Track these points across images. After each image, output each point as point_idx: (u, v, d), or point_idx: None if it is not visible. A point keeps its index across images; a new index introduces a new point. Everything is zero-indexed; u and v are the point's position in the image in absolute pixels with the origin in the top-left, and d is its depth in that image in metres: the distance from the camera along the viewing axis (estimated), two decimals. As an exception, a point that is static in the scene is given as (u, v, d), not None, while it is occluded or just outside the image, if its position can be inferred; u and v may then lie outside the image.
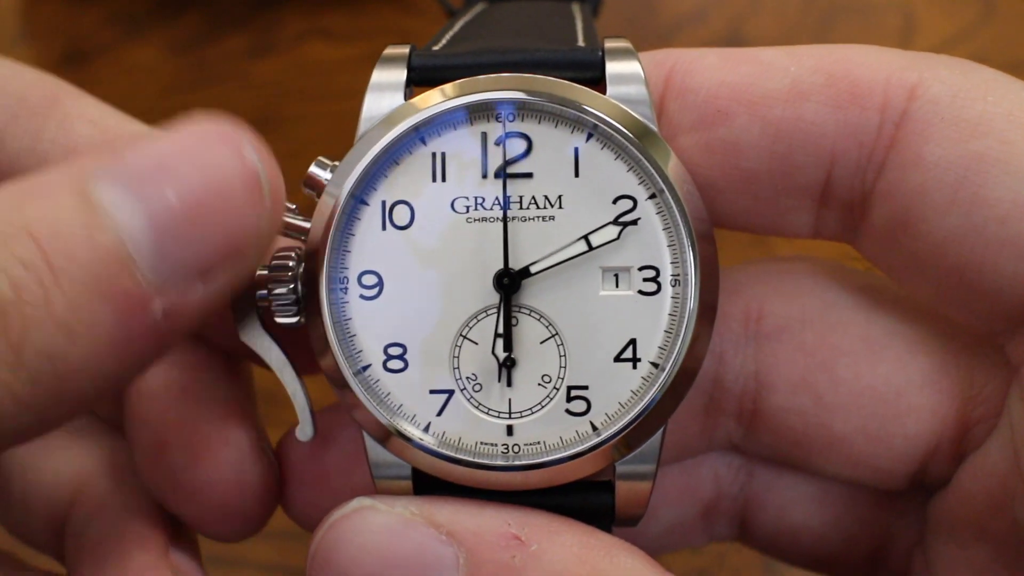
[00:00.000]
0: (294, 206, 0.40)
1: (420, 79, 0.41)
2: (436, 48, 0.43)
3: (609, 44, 0.41)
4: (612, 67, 0.40)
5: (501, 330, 0.39)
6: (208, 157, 0.34)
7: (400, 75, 0.41)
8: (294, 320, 0.40)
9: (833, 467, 0.44)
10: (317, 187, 0.40)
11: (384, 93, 0.40)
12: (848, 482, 0.45)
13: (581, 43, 0.43)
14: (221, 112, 0.36)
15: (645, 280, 0.39)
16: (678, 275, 0.39)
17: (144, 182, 0.33)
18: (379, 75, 0.41)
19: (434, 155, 0.40)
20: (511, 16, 0.48)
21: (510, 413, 0.39)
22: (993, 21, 0.94)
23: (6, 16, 0.98)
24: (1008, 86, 0.38)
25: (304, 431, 0.41)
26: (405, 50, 0.41)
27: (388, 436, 0.39)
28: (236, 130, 0.35)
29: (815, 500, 0.47)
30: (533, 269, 0.39)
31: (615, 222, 0.39)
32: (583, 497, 0.40)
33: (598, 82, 0.40)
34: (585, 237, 0.39)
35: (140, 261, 0.32)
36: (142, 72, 0.93)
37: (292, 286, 0.39)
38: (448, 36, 0.45)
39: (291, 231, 0.40)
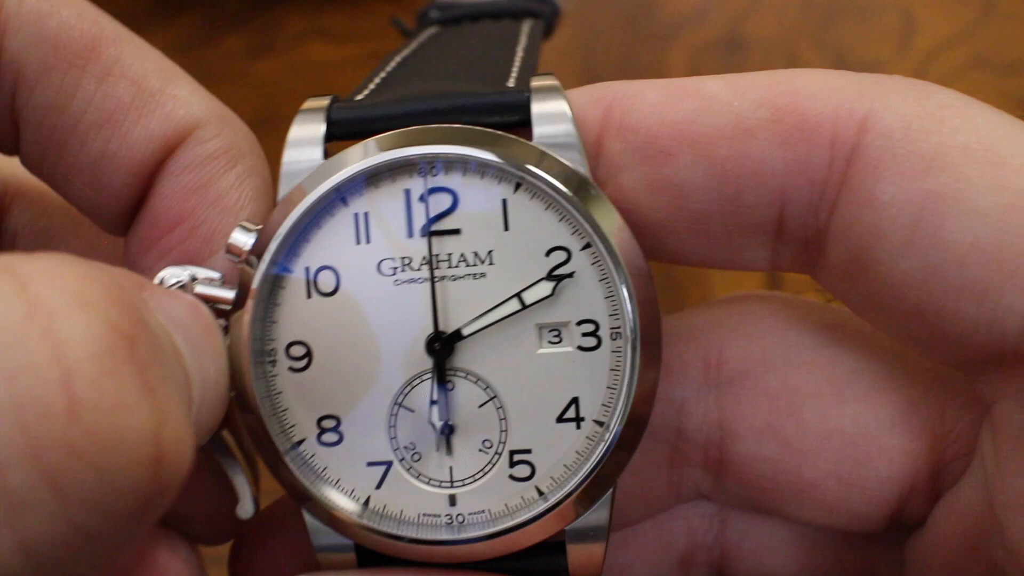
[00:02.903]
0: (217, 275, 0.39)
1: (340, 133, 0.39)
2: (359, 97, 0.41)
3: (535, 83, 0.38)
4: (538, 107, 0.38)
5: (435, 397, 0.38)
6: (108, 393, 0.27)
7: (318, 129, 0.39)
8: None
9: (806, 513, 0.42)
10: (239, 254, 0.38)
11: (303, 149, 0.38)
12: (823, 528, 0.43)
13: (511, 83, 0.40)
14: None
15: (584, 335, 0.37)
16: (618, 327, 0.37)
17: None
18: (296, 130, 0.39)
19: (356, 216, 0.38)
20: (451, 48, 0.46)
21: (452, 482, 0.38)
22: (993, 21, 0.92)
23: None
24: (965, 112, 0.35)
25: (244, 509, 0.40)
26: (325, 102, 0.39)
27: (327, 512, 0.38)
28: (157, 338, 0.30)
29: (792, 545, 0.44)
30: (465, 332, 0.37)
31: (549, 276, 0.37)
32: (535, 561, 0.38)
33: (526, 124, 0.38)
34: (518, 295, 0.37)
35: None
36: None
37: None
38: (377, 79, 0.43)
39: (215, 303, 0.38)
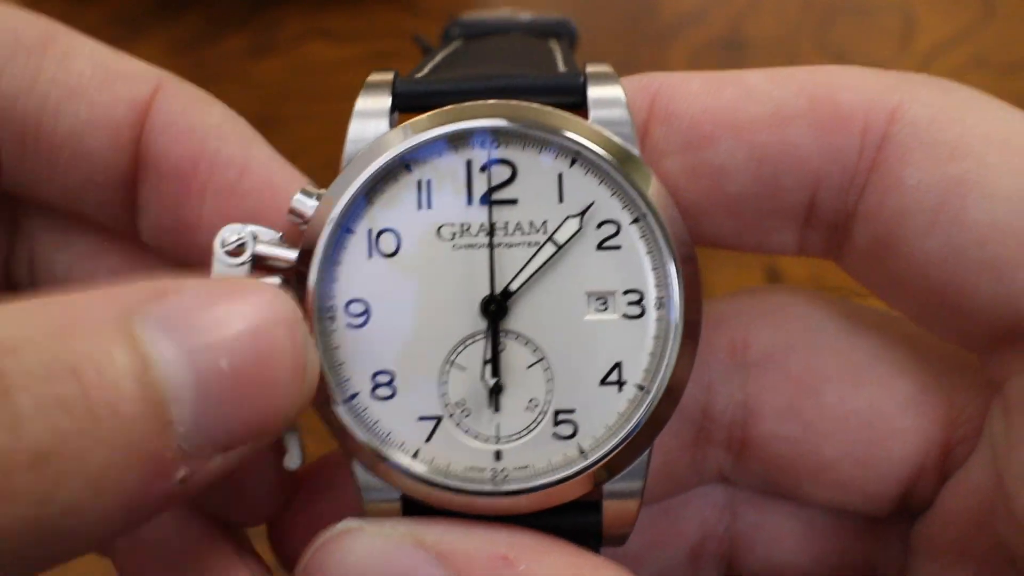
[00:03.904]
0: (278, 234, 0.41)
1: (404, 106, 0.41)
2: (419, 76, 0.43)
3: (591, 69, 0.41)
4: (594, 91, 0.40)
5: (489, 356, 0.40)
6: (265, 331, 0.33)
7: (385, 102, 0.41)
8: None
9: (822, 493, 0.44)
10: (302, 216, 0.40)
11: (369, 120, 0.41)
12: (836, 509, 0.45)
13: (562, 69, 0.43)
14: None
15: (629, 304, 0.40)
16: (662, 298, 0.39)
17: (196, 340, 0.31)
18: (363, 102, 0.41)
19: (419, 182, 0.40)
20: (491, 48, 0.48)
21: (498, 438, 0.40)
22: (993, 21, 0.94)
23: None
24: (986, 106, 0.38)
25: (292, 459, 0.41)
26: (389, 76, 0.41)
27: (377, 463, 0.39)
28: (295, 309, 0.34)
29: (801, 535, 0.47)
30: (513, 287, 0.39)
31: (600, 247, 0.39)
32: (571, 517, 0.40)
33: (580, 107, 0.40)
34: (550, 238, 0.39)
35: (178, 426, 0.30)
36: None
37: None
38: (431, 65, 0.45)
39: (276, 261, 0.40)
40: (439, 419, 0.40)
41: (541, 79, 0.41)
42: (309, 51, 1.02)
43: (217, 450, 0.32)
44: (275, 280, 0.40)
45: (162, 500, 0.31)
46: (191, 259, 0.44)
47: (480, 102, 0.40)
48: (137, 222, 0.45)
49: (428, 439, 0.40)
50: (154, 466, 0.30)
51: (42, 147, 0.42)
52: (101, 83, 0.42)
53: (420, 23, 0.99)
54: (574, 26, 0.60)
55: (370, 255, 0.40)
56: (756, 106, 0.40)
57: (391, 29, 1.01)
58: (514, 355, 0.40)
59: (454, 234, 0.40)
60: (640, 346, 0.40)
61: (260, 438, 0.34)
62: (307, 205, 0.40)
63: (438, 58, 0.47)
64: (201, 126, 0.43)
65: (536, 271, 0.39)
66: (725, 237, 0.42)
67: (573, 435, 0.40)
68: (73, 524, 0.28)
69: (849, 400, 0.43)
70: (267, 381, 0.33)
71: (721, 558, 0.48)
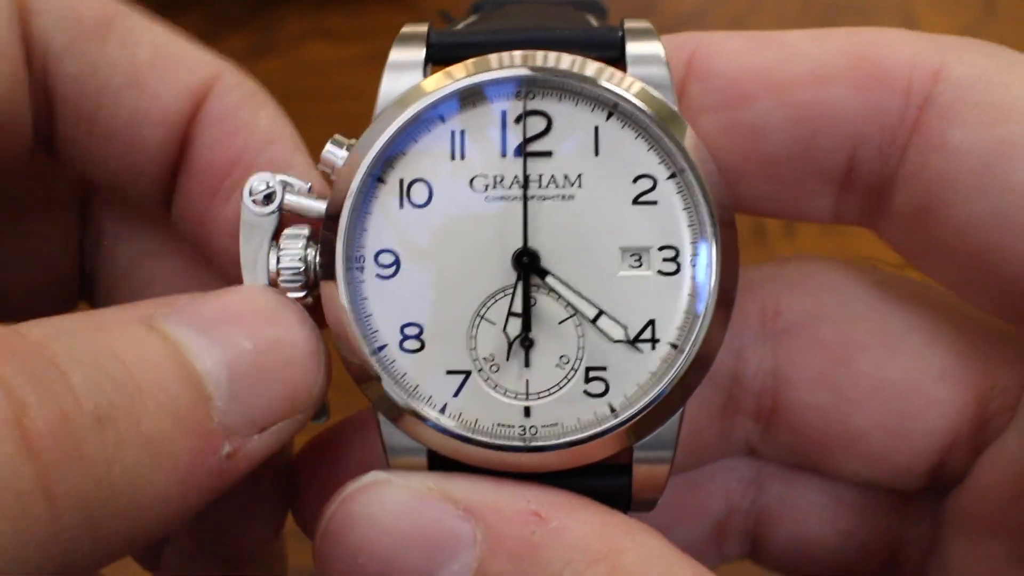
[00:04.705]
0: (307, 185, 0.40)
1: (439, 57, 0.40)
2: (454, 29, 0.43)
3: (629, 24, 0.41)
4: (632, 47, 0.40)
5: (519, 309, 0.39)
6: (277, 317, 0.37)
7: (419, 54, 0.40)
8: (302, 296, 0.39)
9: (852, 465, 0.43)
10: (332, 166, 0.39)
11: (403, 72, 0.40)
12: (866, 482, 0.45)
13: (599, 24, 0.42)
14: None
15: (664, 260, 0.39)
16: (698, 255, 0.39)
17: (218, 329, 0.35)
18: (397, 54, 0.40)
19: (453, 133, 0.39)
20: (523, 10, 0.48)
21: (527, 394, 0.39)
22: (993, 21, 0.95)
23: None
24: None
25: (319, 414, 0.40)
26: (423, 28, 0.41)
27: (403, 417, 0.38)
28: (294, 301, 0.38)
29: (829, 510, 0.46)
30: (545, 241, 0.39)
31: (635, 202, 0.39)
32: (600, 480, 0.39)
33: (618, 62, 0.40)
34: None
35: (216, 402, 0.34)
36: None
37: (302, 265, 0.39)
38: (463, 23, 0.45)
39: (305, 212, 0.39)
40: (468, 373, 0.39)
41: (578, 32, 0.41)
42: (309, 51, 1.02)
43: (256, 427, 0.35)
44: (303, 233, 0.39)
45: (213, 477, 0.34)
46: (210, 255, 0.44)
47: (516, 52, 0.39)
48: (171, 208, 0.44)
49: (456, 394, 0.39)
50: (201, 438, 0.33)
51: (98, 131, 0.42)
52: (162, 72, 0.42)
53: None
54: (605, 5, 0.60)
55: (401, 205, 0.39)
56: (795, 65, 0.39)
57: (391, 29, 1.00)
58: (545, 310, 0.39)
59: (487, 186, 0.39)
60: (674, 304, 0.39)
61: (291, 416, 0.36)
62: (337, 156, 0.40)
63: (471, 18, 0.47)
64: (250, 127, 0.43)
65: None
66: (760, 201, 0.42)
67: (604, 393, 0.39)
68: (136, 492, 0.31)
69: (882, 369, 0.42)
70: (288, 358, 0.36)
71: (746, 534, 0.47)
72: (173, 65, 0.42)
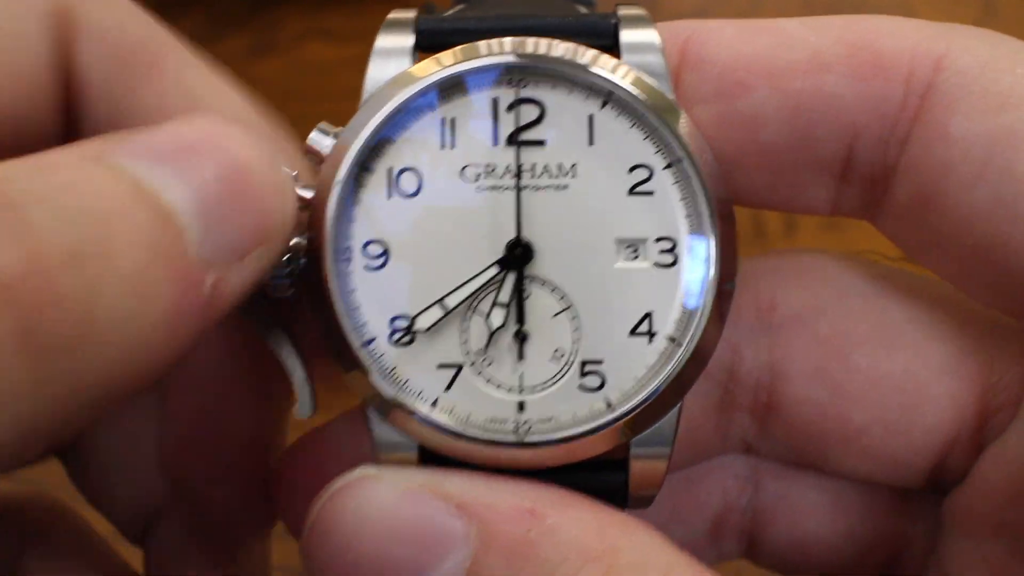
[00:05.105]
0: (295, 173, 0.39)
1: (428, 44, 0.39)
2: (444, 15, 0.42)
3: (623, 11, 0.40)
4: (627, 35, 0.39)
5: (505, 300, 0.38)
6: (232, 144, 0.34)
7: (407, 40, 0.39)
8: (287, 291, 0.38)
9: (850, 462, 0.42)
10: (318, 155, 0.38)
11: (390, 59, 0.39)
12: (864, 480, 0.44)
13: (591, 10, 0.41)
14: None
15: (661, 252, 0.38)
16: (695, 246, 0.38)
17: (178, 160, 0.32)
18: (384, 40, 0.39)
19: (443, 120, 0.38)
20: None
21: (521, 388, 0.38)
22: (993, 21, 0.94)
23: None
24: None
25: (303, 408, 0.39)
26: (411, 14, 0.40)
27: (393, 411, 0.37)
28: (248, 125, 0.35)
29: (827, 508, 0.45)
30: (538, 232, 0.38)
31: (631, 192, 0.38)
32: (596, 476, 0.38)
33: (612, 50, 0.39)
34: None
35: (190, 233, 0.31)
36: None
37: (287, 256, 0.38)
38: (453, 10, 0.44)
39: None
40: (459, 367, 0.38)
41: (571, 19, 0.40)
42: (309, 51, 1.02)
43: (234, 255, 0.33)
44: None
45: (199, 313, 0.32)
46: None
47: (507, 38, 0.38)
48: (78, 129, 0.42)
49: (448, 388, 0.38)
50: (182, 272, 0.31)
51: None
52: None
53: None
54: None
55: (390, 195, 0.38)
56: (792, 53, 0.38)
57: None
58: (540, 302, 0.38)
59: (478, 175, 0.38)
60: (672, 296, 0.38)
61: (265, 244, 0.34)
62: (323, 144, 0.39)
63: (460, 6, 0.46)
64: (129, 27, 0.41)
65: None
66: (757, 192, 0.41)
67: (600, 387, 0.38)
68: (122, 334, 0.29)
69: (881, 364, 0.41)
70: (255, 182, 0.34)
71: (743, 533, 0.46)
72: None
